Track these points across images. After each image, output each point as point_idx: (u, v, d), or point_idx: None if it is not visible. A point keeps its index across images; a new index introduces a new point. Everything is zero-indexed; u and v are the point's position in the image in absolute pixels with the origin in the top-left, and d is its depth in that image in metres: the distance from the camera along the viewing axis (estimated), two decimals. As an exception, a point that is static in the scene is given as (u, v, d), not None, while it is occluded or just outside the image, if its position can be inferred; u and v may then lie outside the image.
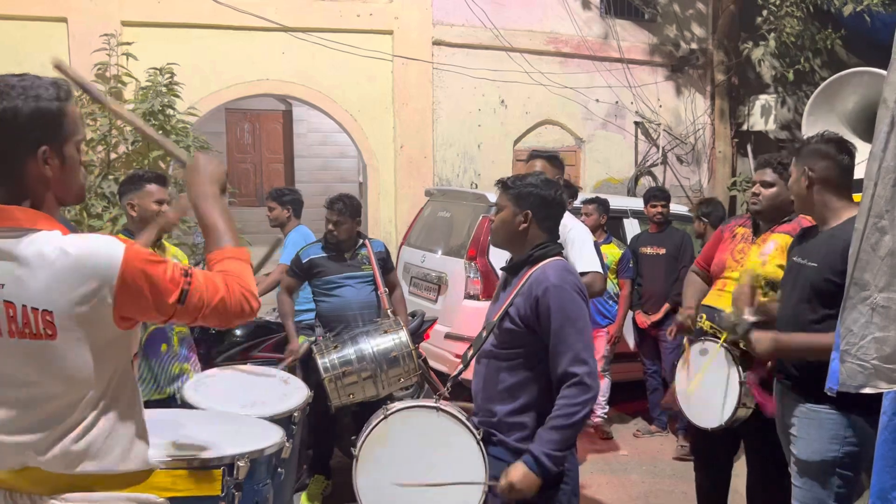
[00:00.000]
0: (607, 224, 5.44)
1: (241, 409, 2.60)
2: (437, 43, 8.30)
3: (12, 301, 1.37)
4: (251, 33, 7.67)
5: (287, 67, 7.88)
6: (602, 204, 5.38)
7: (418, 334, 5.32)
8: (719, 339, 2.95)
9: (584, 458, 4.82)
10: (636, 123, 9.45)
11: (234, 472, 1.81)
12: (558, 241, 2.36)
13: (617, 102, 9.26)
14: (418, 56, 8.18)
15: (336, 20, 7.91)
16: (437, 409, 2.18)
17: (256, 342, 5.04)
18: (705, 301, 3.15)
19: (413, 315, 5.53)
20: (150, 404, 2.78)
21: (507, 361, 2.26)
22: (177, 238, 7.15)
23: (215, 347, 4.45)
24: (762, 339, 2.49)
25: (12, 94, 1.38)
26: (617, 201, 6.16)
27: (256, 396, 2.79)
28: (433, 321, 5.36)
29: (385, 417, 2.16)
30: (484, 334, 2.30)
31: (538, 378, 2.22)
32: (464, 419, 2.19)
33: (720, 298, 3.07)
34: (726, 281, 3.08)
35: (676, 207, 7.07)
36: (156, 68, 6.80)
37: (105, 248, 1.40)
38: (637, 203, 6.70)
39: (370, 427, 2.17)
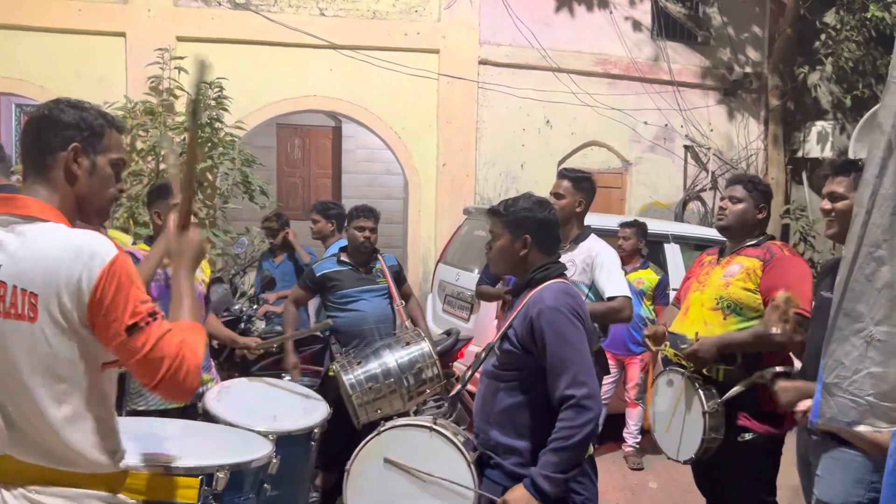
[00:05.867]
0: (646, 249, 5.31)
1: (261, 422, 2.59)
2: (483, 62, 8.31)
3: (5, 281, 1.46)
4: (300, 50, 7.82)
5: (334, 84, 7.99)
6: (640, 228, 5.26)
7: (452, 353, 5.27)
8: (684, 368, 2.89)
9: (611, 489, 4.68)
10: (686, 147, 9.26)
11: (213, 483, 1.81)
12: (560, 262, 2.31)
13: (666, 125, 9.10)
14: (464, 75, 8.20)
15: (384, 38, 8.00)
16: (431, 429, 2.14)
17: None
18: (671, 328, 3.08)
19: (448, 333, 5.48)
20: (169, 413, 2.81)
21: (506, 382, 2.22)
22: (220, 249, 7.30)
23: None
24: (787, 389, 2.37)
25: (62, 104, 1.58)
26: (657, 225, 6.02)
27: (277, 410, 2.80)
28: (468, 340, 5.30)
29: (378, 434, 2.14)
30: (483, 355, 2.26)
31: (534, 401, 2.17)
32: (457, 441, 2.14)
33: (682, 324, 3.01)
34: (689, 305, 3.03)
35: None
36: (205, 82, 6.96)
37: (99, 248, 1.47)
38: (680, 228, 6.54)
39: (363, 444, 2.14)
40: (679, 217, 9.06)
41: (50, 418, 1.46)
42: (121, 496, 1.56)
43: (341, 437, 3.69)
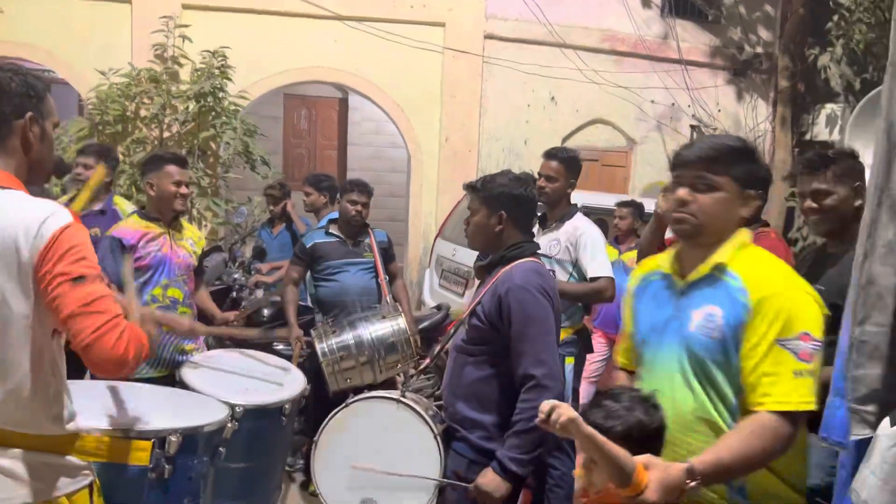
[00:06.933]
0: (643, 228, 5.30)
1: (232, 395, 2.60)
2: (488, 36, 8.24)
3: None
4: (305, 20, 7.78)
5: (339, 55, 7.96)
6: (637, 208, 5.26)
7: (442, 328, 5.31)
8: None
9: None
10: (692, 127, 9.18)
11: (166, 446, 1.85)
12: (533, 241, 2.33)
13: (673, 104, 9.02)
14: (469, 49, 8.15)
15: (389, 10, 7.95)
16: (399, 401, 2.18)
17: (281, 324, 5.14)
18: None
19: (438, 308, 5.53)
20: (148, 381, 2.85)
21: (474, 357, 2.26)
22: (222, 217, 7.35)
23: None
24: None
25: (4, 69, 1.60)
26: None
27: (250, 384, 2.81)
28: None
29: (346, 406, 2.18)
30: (453, 330, 2.29)
31: (500, 376, 2.21)
32: (425, 414, 2.19)
33: None
34: None
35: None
36: (209, 51, 6.97)
37: (58, 212, 1.53)
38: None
39: (331, 415, 2.19)
40: (682, 197, 9.02)
41: (2, 379, 1.50)
42: (70, 458, 1.60)
43: (330, 405, 3.76)
